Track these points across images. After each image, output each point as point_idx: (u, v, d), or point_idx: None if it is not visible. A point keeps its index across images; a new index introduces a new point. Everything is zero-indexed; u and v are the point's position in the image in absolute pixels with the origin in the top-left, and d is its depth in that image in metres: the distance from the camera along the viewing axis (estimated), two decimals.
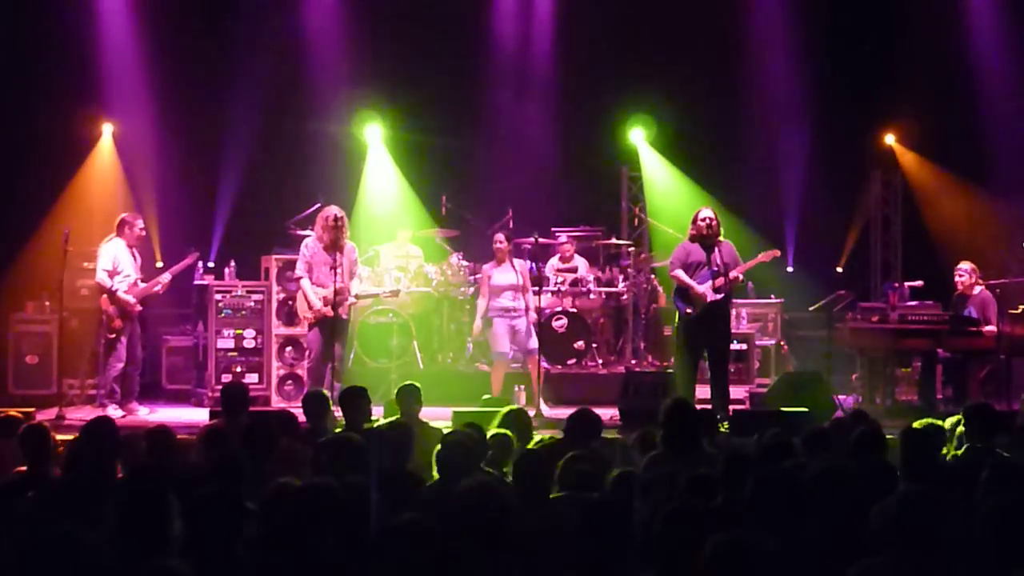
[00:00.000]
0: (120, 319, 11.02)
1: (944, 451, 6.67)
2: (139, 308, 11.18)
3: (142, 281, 11.25)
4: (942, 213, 14.80)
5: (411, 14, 14.29)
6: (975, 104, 14.33)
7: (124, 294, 11.03)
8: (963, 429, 6.90)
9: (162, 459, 6.14)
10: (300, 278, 10.78)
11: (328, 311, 10.56)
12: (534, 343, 11.23)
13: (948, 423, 7.29)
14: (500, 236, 11.40)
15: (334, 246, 10.60)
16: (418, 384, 8.03)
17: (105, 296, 11.05)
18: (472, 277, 12.78)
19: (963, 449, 6.58)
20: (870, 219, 15.18)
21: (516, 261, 11.44)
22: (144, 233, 11.37)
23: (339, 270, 10.50)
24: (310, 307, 10.68)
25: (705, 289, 10.17)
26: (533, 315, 11.33)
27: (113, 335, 11.03)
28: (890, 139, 15.13)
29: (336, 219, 10.60)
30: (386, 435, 6.34)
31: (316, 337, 10.74)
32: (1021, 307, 11.12)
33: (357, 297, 11.04)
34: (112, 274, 11.04)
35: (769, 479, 4.68)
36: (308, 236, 10.97)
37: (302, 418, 7.83)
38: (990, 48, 14.42)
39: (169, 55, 13.67)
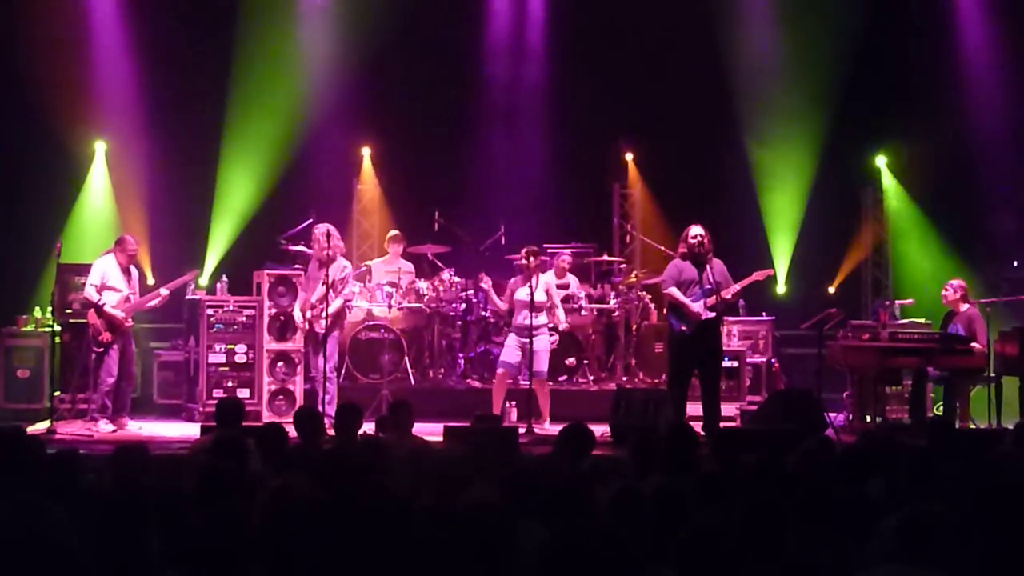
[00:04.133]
0: (108, 333, 11.01)
1: None
2: (130, 323, 11.20)
3: (136, 296, 11.26)
4: (928, 232, 14.86)
5: (405, 33, 14.33)
6: (965, 124, 14.36)
7: (112, 308, 11.03)
8: None
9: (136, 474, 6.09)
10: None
11: (305, 325, 11.45)
12: (542, 366, 11.23)
13: None
14: (523, 252, 11.40)
15: (324, 262, 11.26)
16: (409, 402, 8.03)
17: (93, 310, 11.06)
18: (464, 292, 12.81)
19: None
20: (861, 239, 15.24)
21: (542, 277, 11.40)
22: (134, 254, 11.36)
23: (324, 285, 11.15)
24: None
25: (699, 308, 10.18)
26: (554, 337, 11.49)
27: (101, 349, 11.03)
28: (880, 161, 15.16)
29: (326, 235, 11.24)
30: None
31: None
32: (1012, 326, 11.16)
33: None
34: (100, 289, 11.05)
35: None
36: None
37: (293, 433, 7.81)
38: (981, 69, 14.48)
39: (162, 73, 13.70)
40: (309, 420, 7.49)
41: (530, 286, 11.05)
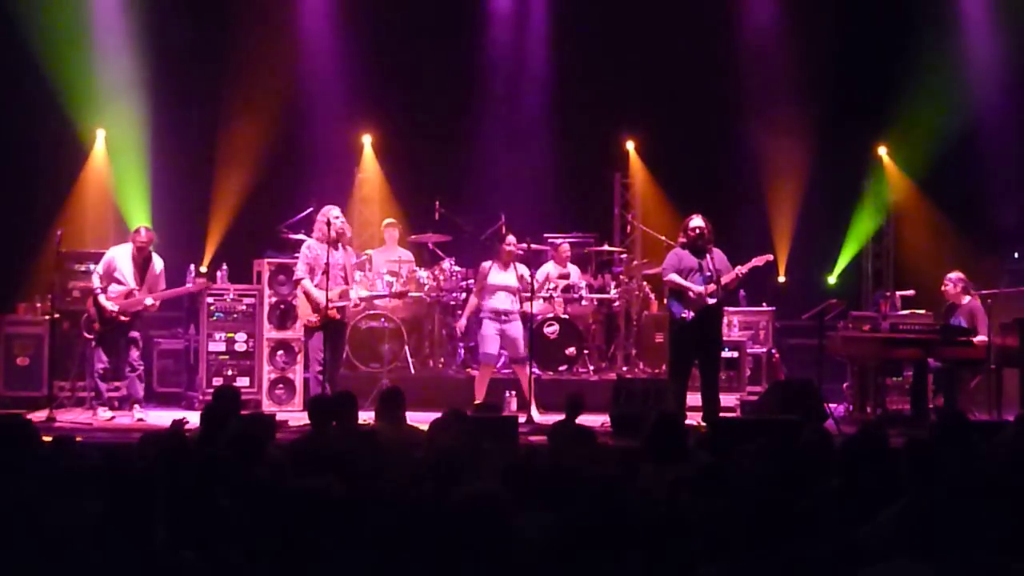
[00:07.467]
0: (99, 323, 10.92)
1: None
2: (123, 318, 10.90)
3: (139, 292, 10.99)
4: (929, 224, 14.84)
5: (406, 20, 14.31)
6: (967, 115, 14.35)
7: (106, 300, 10.88)
8: None
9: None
10: (300, 279, 10.53)
11: (335, 313, 10.37)
12: (525, 350, 11.21)
13: None
14: (512, 238, 11.37)
15: (335, 245, 10.45)
16: (400, 389, 8.04)
17: (92, 299, 11.01)
18: (465, 281, 12.79)
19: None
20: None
21: (519, 266, 11.41)
22: (144, 246, 10.97)
23: (344, 272, 10.50)
24: (316, 308, 10.38)
25: (701, 289, 10.14)
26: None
27: (91, 336, 10.98)
28: (882, 151, 15.15)
29: (336, 218, 10.46)
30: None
31: (318, 342, 10.42)
32: (1013, 318, 11.14)
33: (361, 299, 10.98)
34: (105, 278, 10.94)
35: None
36: (308, 238, 10.76)
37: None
38: (983, 60, 14.45)
39: (162, 59, 13.63)
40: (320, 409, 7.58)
41: (530, 273, 11.05)
